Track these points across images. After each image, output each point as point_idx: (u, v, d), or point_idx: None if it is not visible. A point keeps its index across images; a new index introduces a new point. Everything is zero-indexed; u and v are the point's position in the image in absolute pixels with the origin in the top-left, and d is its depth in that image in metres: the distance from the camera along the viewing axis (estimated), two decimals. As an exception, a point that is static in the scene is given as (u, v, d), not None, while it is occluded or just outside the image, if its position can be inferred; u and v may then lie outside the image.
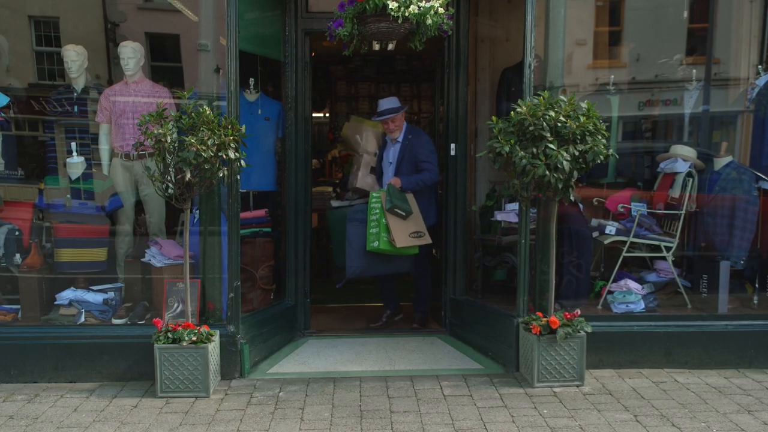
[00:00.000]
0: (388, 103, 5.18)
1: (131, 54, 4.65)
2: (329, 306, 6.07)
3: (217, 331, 4.16)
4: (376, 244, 4.76)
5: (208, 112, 3.86)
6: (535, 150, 3.80)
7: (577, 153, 3.80)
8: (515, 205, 4.68)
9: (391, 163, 5.19)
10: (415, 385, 4.10)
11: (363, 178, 5.58)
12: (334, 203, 5.95)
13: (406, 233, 4.77)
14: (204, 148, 3.73)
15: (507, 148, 3.82)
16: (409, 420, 3.54)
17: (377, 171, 5.46)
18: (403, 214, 4.75)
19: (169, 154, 3.85)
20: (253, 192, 5.16)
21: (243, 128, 4.01)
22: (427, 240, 4.92)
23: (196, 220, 4.42)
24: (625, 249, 4.80)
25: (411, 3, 3.75)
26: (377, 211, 4.80)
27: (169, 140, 3.79)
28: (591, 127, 3.81)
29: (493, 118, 4.00)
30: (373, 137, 5.68)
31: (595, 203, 5.22)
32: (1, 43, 4.96)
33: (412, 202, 4.91)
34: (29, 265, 4.65)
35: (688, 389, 4.07)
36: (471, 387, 4.10)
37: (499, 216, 5.15)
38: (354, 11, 3.89)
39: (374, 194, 4.91)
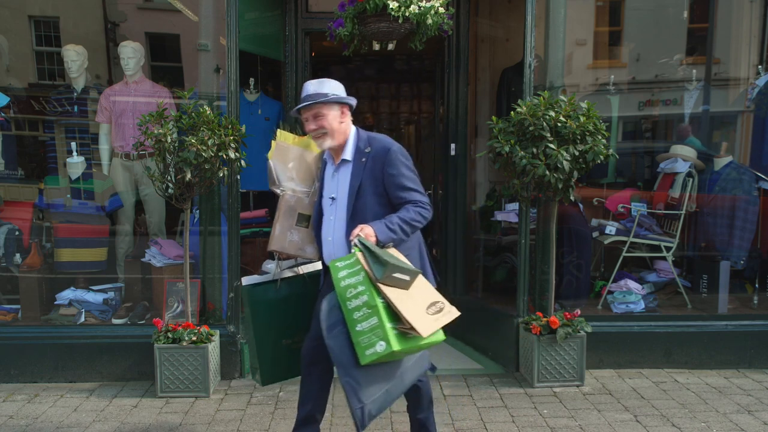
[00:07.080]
0: (315, 86, 2.90)
1: (131, 54, 4.65)
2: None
3: (217, 331, 4.16)
4: (381, 348, 2.50)
5: (208, 112, 3.86)
6: (535, 150, 3.81)
7: (577, 153, 3.81)
8: (515, 205, 4.68)
9: (333, 198, 2.94)
10: (415, 385, 4.10)
11: (284, 234, 3.14)
12: (247, 280, 3.17)
13: (423, 310, 2.67)
14: (204, 148, 3.73)
15: (507, 148, 3.83)
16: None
17: (315, 217, 3.07)
18: (407, 278, 2.66)
19: (169, 154, 3.85)
20: (253, 192, 5.17)
21: (243, 128, 4.01)
22: (453, 312, 2.76)
23: (196, 220, 4.42)
24: (625, 249, 4.81)
25: (411, 3, 3.76)
26: (361, 288, 2.57)
27: (169, 140, 3.78)
28: (591, 127, 3.82)
29: (493, 118, 4.00)
30: (305, 162, 3.22)
31: (595, 203, 5.23)
32: (1, 43, 4.96)
33: (401, 258, 2.77)
34: (29, 265, 4.65)
35: (688, 389, 4.07)
36: (471, 387, 4.10)
37: (499, 216, 5.15)
38: (354, 11, 3.90)
39: (339, 263, 2.64)
